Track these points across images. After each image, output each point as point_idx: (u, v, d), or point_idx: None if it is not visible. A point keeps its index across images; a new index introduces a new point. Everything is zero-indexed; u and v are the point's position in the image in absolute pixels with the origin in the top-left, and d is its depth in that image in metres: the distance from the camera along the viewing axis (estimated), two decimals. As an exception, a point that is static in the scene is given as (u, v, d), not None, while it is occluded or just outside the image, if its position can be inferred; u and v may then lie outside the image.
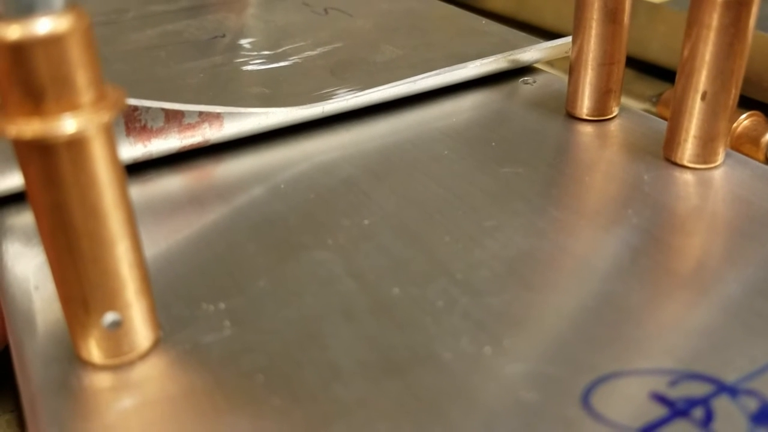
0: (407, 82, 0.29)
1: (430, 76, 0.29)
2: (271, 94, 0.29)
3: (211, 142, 0.26)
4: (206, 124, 0.25)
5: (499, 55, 0.31)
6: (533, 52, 0.31)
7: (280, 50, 0.34)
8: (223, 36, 0.36)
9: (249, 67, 0.32)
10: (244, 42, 0.35)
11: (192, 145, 0.25)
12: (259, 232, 0.22)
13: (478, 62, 0.30)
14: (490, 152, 0.26)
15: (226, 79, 0.31)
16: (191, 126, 0.25)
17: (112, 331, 0.16)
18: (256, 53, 0.33)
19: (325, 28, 0.36)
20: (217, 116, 0.25)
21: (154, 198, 0.24)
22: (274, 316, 0.18)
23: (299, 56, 0.33)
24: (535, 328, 0.18)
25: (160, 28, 0.37)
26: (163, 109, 0.24)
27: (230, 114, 0.25)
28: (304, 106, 0.27)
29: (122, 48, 0.34)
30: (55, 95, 0.14)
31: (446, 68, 0.30)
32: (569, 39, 0.30)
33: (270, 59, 0.33)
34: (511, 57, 0.31)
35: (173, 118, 0.25)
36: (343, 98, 0.28)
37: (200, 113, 0.25)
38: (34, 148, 0.14)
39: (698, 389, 0.16)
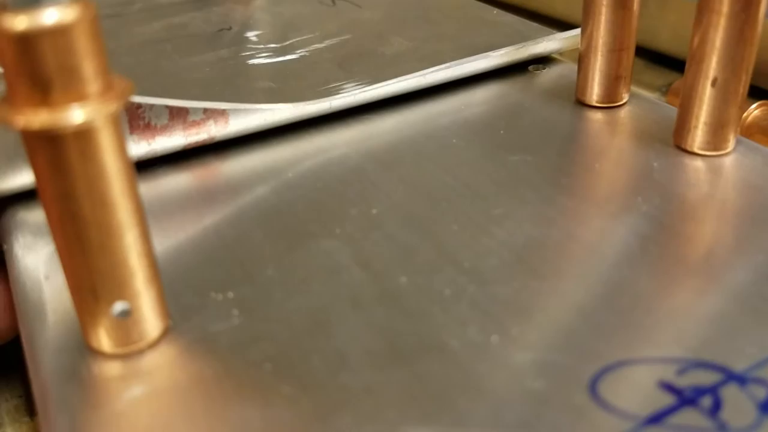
0: (416, 76, 0.28)
1: (440, 69, 0.29)
2: (278, 88, 0.29)
3: (217, 139, 0.25)
4: (211, 121, 0.25)
5: (510, 48, 0.30)
6: (546, 44, 0.31)
7: (287, 43, 0.33)
8: (230, 29, 0.36)
9: (255, 61, 0.31)
10: (251, 35, 0.35)
11: (197, 142, 0.25)
12: (267, 221, 0.22)
13: (489, 55, 0.30)
14: (499, 140, 0.26)
15: (233, 74, 0.30)
16: (196, 123, 0.25)
17: (121, 320, 0.16)
18: (262, 46, 0.33)
19: (333, 20, 0.36)
20: (223, 113, 0.25)
21: (162, 191, 0.24)
22: (282, 305, 0.18)
23: (307, 49, 0.32)
24: (543, 317, 0.18)
25: (165, 20, 0.37)
26: (167, 106, 0.24)
27: (236, 110, 0.25)
28: (311, 102, 0.27)
29: (128, 41, 0.34)
30: (62, 86, 0.14)
31: (456, 61, 0.29)
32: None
33: (277, 52, 0.32)
34: (524, 49, 0.30)
35: (177, 116, 0.24)
36: (351, 93, 0.27)
37: (205, 110, 0.25)
38: (42, 138, 0.14)
39: (707, 378, 0.16)
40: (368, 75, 0.29)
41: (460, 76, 0.30)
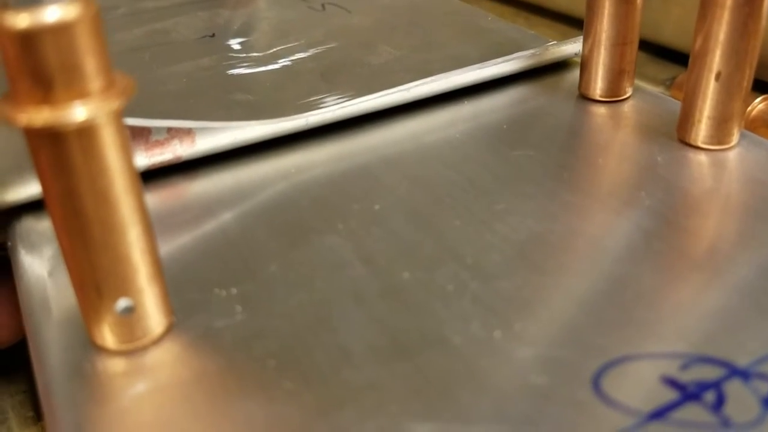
0: (400, 90, 0.27)
1: (424, 83, 0.27)
2: (255, 101, 0.27)
3: (184, 158, 0.24)
4: (176, 141, 0.23)
5: (499, 59, 0.29)
6: (535, 58, 0.29)
7: (271, 52, 0.32)
8: (213, 36, 0.34)
9: (235, 71, 0.30)
10: (234, 42, 0.33)
11: (162, 162, 0.23)
12: (270, 217, 0.22)
13: (477, 67, 0.28)
14: (502, 135, 0.26)
15: (209, 85, 0.29)
16: (159, 143, 0.23)
17: (125, 316, 0.16)
18: (244, 55, 0.32)
19: (320, 26, 0.35)
20: (188, 132, 0.23)
21: (164, 189, 0.24)
22: (285, 301, 0.18)
23: (290, 58, 0.31)
24: (546, 312, 0.18)
25: (148, 26, 0.36)
26: (127, 126, 0.23)
27: (203, 129, 0.24)
28: (285, 119, 0.25)
29: None
30: (64, 83, 0.14)
31: (442, 74, 0.28)
32: (574, 41, 0.30)
33: (258, 62, 0.31)
34: (509, 62, 0.29)
35: (139, 135, 0.23)
36: (330, 108, 0.26)
37: (169, 129, 0.23)
38: (45, 136, 0.14)
39: (710, 373, 0.15)
40: (351, 87, 0.28)
41: (446, 90, 0.28)
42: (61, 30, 0.14)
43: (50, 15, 0.13)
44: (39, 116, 0.14)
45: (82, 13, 0.14)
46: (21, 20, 0.13)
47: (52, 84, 0.14)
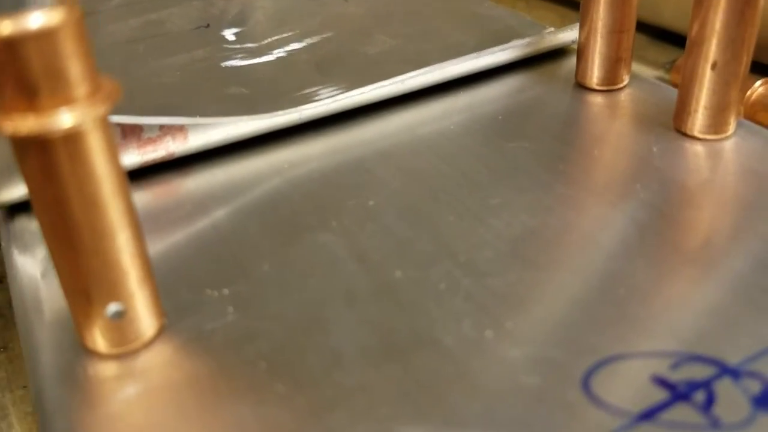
0: (395, 82, 0.26)
1: (420, 74, 0.27)
2: (249, 94, 0.27)
3: (177, 155, 0.24)
4: (169, 137, 0.23)
5: (495, 48, 0.28)
6: (532, 46, 0.29)
7: (265, 42, 0.32)
8: (207, 26, 0.34)
9: (230, 63, 0.30)
10: (228, 33, 0.33)
11: (155, 159, 0.23)
12: (264, 214, 0.22)
13: (471, 57, 0.28)
14: (497, 126, 0.25)
15: (203, 78, 0.29)
16: (152, 140, 0.23)
17: (115, 320, 0.16)
18: (239, 46, 0.31)
19: (315, 15, 0.35)
20: (181, 128, 0.23)
21: (158, 184, 0.24)
22: (277, 302, 0.18)
23: (284, 49, 0.31)
24: (538, 310, 0.17)
25: (142, 17, 0.36)
26: (118, 124, 0.22)
27: (195, 125, 0.23)
28: (278, 113, 0.25)
29: (100, 42, 0.32)
30: (49, 90, 0.14)
31: (437, 65, 0.27)
32: (571, 28, 0.29)
33: (253, 53, 0.31)
34: (505, 51, 0.29)
35: (131, 133, 0.23)
36: (324, 102, 0.26)
37: (162, 126, 0.23)
38: (31, 144, 0.14)
39: (700, 372, 0.15)
40: (346, 79, 0.28)
41: (441, 81, 0.28)
42: (45, 36, 0.13)
43: (33, 21, 0.13)
44: (24, 124, 0.14)
45: (66, 19, 0.14)
46: (4, 27, 0.13)
47: (36, 91, 0.14)
